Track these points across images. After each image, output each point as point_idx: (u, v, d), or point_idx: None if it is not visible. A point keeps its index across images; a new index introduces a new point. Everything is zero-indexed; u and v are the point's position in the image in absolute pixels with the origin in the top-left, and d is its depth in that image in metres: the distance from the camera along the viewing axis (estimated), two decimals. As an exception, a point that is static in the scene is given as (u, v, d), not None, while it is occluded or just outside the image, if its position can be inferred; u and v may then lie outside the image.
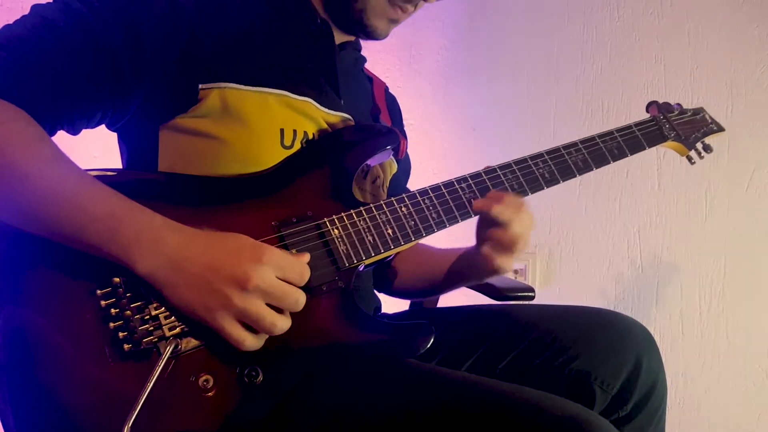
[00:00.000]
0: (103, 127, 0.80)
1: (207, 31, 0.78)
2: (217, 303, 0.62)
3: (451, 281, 0.98)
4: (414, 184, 1.10)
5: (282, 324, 0.64)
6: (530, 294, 1.09)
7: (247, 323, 0.63)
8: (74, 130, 0.75)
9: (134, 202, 0.65)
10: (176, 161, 0.78)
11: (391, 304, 1.11)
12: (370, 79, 1.07)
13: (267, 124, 0.79)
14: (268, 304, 0.64)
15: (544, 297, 1.77)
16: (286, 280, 0.65)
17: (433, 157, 1.92)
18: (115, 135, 0.86)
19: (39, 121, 0.67)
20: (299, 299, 0.65)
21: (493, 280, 1.12)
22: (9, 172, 0.62)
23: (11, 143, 0.63)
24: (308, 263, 0.69)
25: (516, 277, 1.81)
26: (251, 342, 0.64)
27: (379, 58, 1.93)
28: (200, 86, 0.76)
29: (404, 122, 1.16)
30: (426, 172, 1.89)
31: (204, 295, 0.62)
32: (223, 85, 0.77)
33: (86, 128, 0.76)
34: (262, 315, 0.63)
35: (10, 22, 0.70)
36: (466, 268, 0.93)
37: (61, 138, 0.72)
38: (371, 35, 0.89)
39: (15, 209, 0.64)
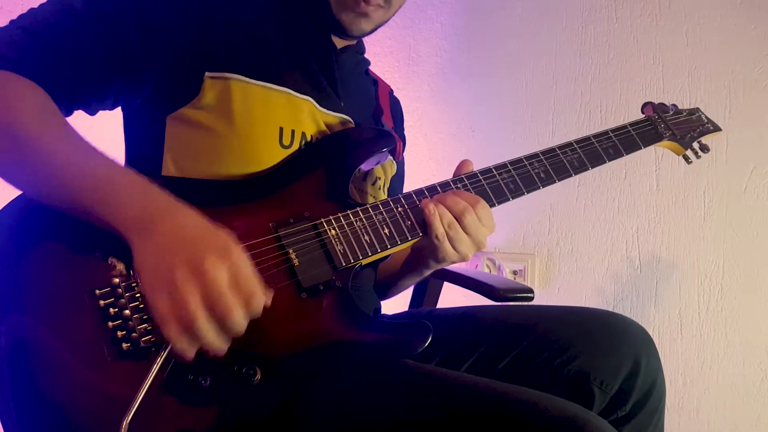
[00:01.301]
0: (103, 122, 0.80)
1: (218, 20, 0.79)
2: (163, 273, 0.58)
3: (406, 272, 0.98)
4: (414, 185, 1.10)
5: (201, 323, 0.57)
6: (529, 295, 1.09)
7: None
8: (91, 111, 0.77)
9: (133, 171, 0.66)
10: (180, 153, 0.79)
11: (392, 306, 1.11)
12: (375, 81, 1.08)
13: (267, 121, 0.80)
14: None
15: (543, 297, 1.77)
16: (235, 285, 0.59)
17: (432, 158, 1.92)
18: (115, 130, 0.86)
19: (56, 100, 0.69)
20: (233, 312, 0.58)
21: (492, 281, 1.12)
22: (22, 141, 0.64)
23: (26, 116, 0.65)
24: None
25: (515, 278, 1.81)
26: (174, 328, 0.57)
27: (378, 60, 1.93)
28: (207, 74, 0.77)
29: (404, 123, 1.16)
30: (426, 173, 1.90)
31: (158, 263, 0.59)
32: (229, 75, 0.78)
33: (103, 110, 0.78)
34: (189, 302, 0.56)
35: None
36: (421, 256, 0.90)
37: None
38: (344, 31, 0.88)
39: (25, 176, 0.66)
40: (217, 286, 0.57)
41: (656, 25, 1.73)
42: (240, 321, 0.59)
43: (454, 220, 0.79)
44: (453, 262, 0.84)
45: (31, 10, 0.72)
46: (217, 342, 0.59)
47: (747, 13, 1.64)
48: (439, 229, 0.78)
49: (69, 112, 0.74)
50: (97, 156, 0.66)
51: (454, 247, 0.80)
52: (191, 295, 0.57)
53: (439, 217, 0.78)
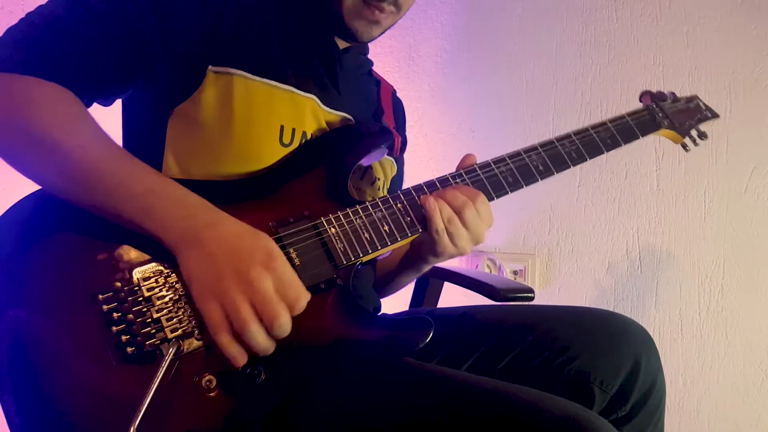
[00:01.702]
0: (103, 119, 0.80)
1: (228, 16, 0.79)
2: (213, 284, 0.63)
3: (404, 268, 0.98)
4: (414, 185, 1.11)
5: (252, 327, 0.62)
6: (530, 295, 1.09)
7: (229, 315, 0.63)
8: (107, 102, 0.78)
9: (170, 180, 0.68)
10: (181, 151, 0.79)
11: (392, 305, 1.12)
12: (378, 81, 1.08)
13: (268, 118, 0.80)
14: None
15: (543, 297, 1.77)
16: (282, 295, 0.64)
17: (432, 158, 1.92)
18: (116, 129, 0.86)
19: (78, 96, 0.69)
20: (282, 317, 0.63)
21: (493, 281, 1.12)
22: (56, 149, 0.65)
23: (57, 122, 0.66)
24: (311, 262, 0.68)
25: (515, 278, 1.81)
26: (224, 337, 0.63)
27: (378, 60, 1.92)
28: (210, 68, 0.78)
29: (406, 125, 1.16)
30: (426, 173, 1.89)
31: (207, 273, 0.63)
32: (232, 71, 0.78)
33: (118, 99, 0.80)
34: (240, 310, 0.62)
35: (11, 24, 0.71)
36: (420, 251, 0.90)
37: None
38: (354, 37, 0.89)
39: (60, 184, 0.66)
40: (264, 294, 0.63)
41: (657, 25, 1.73)
42: (287, 323, 0.64)
43: (454, 215, 0.79)
44: (451, 257, 0.84)
45: (40, 6, 0.72)
46: (265, 344, 0.64)
47: (747, 13, 1.64)
48: (439, 224, 0.79)
49: (89, 105, 0.74)
50: (134, 164, 0.68)
51: (452, 242, 0.80)
52: (241, 303, 0.62)
53: (438, 211, 0.79)
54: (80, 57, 0.70)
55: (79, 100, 0.69)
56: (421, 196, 0.80)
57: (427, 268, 0.97)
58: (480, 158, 0.88)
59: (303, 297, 0.66)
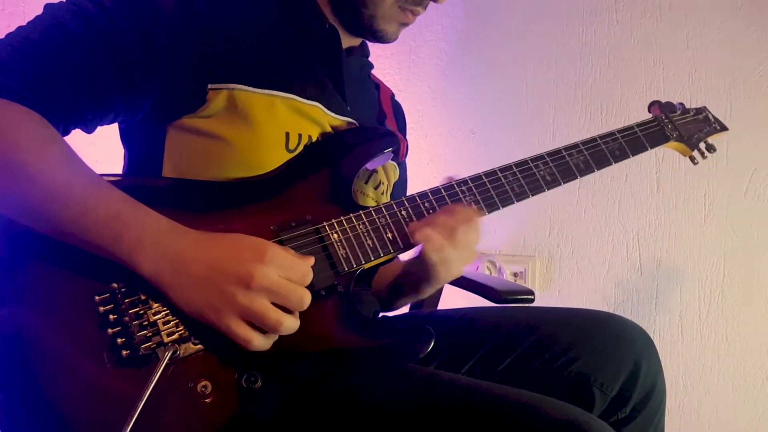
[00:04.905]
0: (103, 131, 0.80)
1: (218, 32, 0.78)
2: (222, 302, 0.62)
3: (395, 294, 0.98)
4: (414, 187, 1.10)
5: (288, 323, 0.64)
6: (530, 297, 1.09)
7: (253, 323, 0.63)
8: (88, 129, 0.75)
9: (141, 204, 0.66)
10: (181, 162, 0.78)
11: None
12: (377, 85, 1.08)
13: (272, 127, 0.79)
14: (273, 304, 0.64)
15: (543, 300, 1.77)
16: (288, 279, 0.65)
17: (432, 160, 1.92)
18: (114, 139, 0.86)
19: (52, 122, 0.67)
20: (304, 297, 0.65)
21: (493, 283, 1.12)
22: (19, 173, 0.62)
23: (23, 145, 0.63)
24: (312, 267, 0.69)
25: (516, 280, 1.81)
26: (259, 341, 0.64)
27: (378, 62, 1.92)
28: (209, 86, 0.76)
29: (406, 127, 1.16)
30: (426, 175, 1.90)
31: (209, 295, 0.63)
32: (231, 86, 0.77)
33: (101, 126, 0.77)
34: (266, 313, 0.63)
35: (11, 26, 0.71)
36: (413, 279, 0.91)
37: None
38: (381, 39, 0.89)
39: (24, 209, 0.64)
40: (280, 286, 0.64)
41: (657, 27, 1.73)
42: (309, 297, 0.66)
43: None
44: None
45: (20, 28, 0.70)
46: (296, 324, 0.66)
47: (747, 15, 1.64)
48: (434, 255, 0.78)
49: (66, 132, 0.72)
50: (102, 190, 0.65)
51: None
52: (265, 308, 0.63)
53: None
54: (53, 81, 0.67)
55: (49, 123, 0.67)
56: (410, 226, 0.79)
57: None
58: (480, 159, 0.88)
59: (308, 273, 0.67)
